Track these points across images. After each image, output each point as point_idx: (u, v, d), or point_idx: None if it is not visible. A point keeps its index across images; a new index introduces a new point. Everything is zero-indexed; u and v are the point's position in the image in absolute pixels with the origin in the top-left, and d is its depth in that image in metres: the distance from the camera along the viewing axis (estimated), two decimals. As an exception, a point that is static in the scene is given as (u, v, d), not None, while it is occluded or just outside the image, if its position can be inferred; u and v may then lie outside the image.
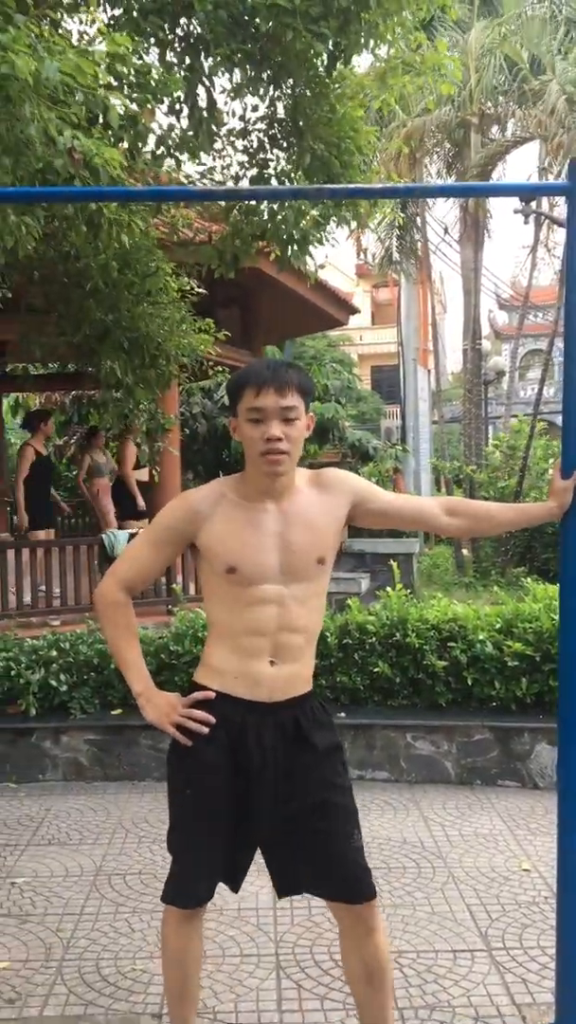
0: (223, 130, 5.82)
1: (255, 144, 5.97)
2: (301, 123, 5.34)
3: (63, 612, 7.84)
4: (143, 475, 9.85)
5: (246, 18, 4.26)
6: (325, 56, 4.74)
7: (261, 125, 5.91)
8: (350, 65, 5.49)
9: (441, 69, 5.60)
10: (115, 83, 3.52)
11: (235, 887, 2.55)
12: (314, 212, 5.64)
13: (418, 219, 16.88)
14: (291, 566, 2.35)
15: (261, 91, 5.58)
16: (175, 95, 4.23)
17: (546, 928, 3.41)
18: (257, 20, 4.18)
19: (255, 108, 5.82)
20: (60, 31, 3.38)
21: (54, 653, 5.34)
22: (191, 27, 4.44)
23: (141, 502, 9.58)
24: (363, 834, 2.51)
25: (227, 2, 4.15)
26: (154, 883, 3.87)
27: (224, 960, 3.25)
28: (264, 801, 2.37)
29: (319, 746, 2.40)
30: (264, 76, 5.48)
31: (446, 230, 24.11)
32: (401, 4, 4.57)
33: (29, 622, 7.41)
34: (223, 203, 6.06)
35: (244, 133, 5.96)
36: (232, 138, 5.99)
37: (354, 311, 12.55)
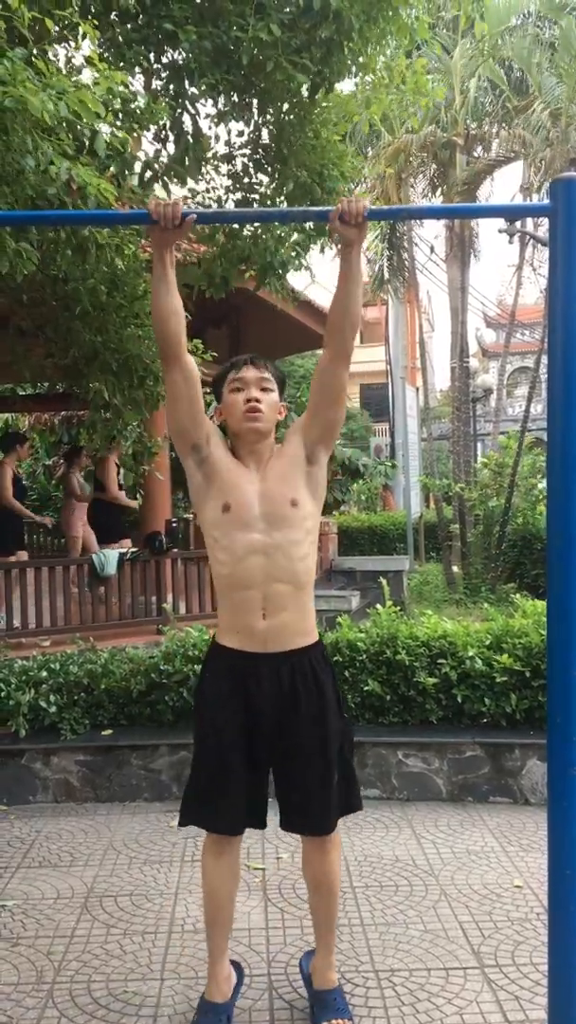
0: (208, 154, 5.88)
1: (240, 168, 6.03)
2: (285, 149, 5.40)
3: (53, 632, 7.81)
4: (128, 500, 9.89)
5: (230, 48, 4.32)
6: (308, 84, 4.81)
7: (246, 150, 5.98)
8: (333, 91, 5.56)
9: (423, 88, 5.68)
10: (104, 113, 3.56)
11: (260, 821, 2.92)
12: (295, 237, 5.70)
13: (405, 239, 16.99)
14: (271, 514, 2.70)
15: (246, 117, 5.67)
16: (161, 122, 4.28)
17: (538, 944, 3.41)
18: (239, 52, 4.24)
19: (240, 133, 5.90)
20: (49, 58, 3.40)
21: (44, 674, 5.32)
22: (176, 56, 4.50)
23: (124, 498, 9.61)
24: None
25: (211, 33, 4.22)
26: (145, 904, 3.85)
27: (216, 981, 3.24)
28: (267, 735, 2.77)
29: (309, 699, 2.75)
30: (248, 102, 5.56)
31: (432, 249, 24.32)
32: (384, 33, 4.65)
33: (19, 642, 7.40)
34: (208, 226, 6.11)
35: (229, 158, 6.02)
36: (216, 162, 6.05)
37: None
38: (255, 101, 5.52)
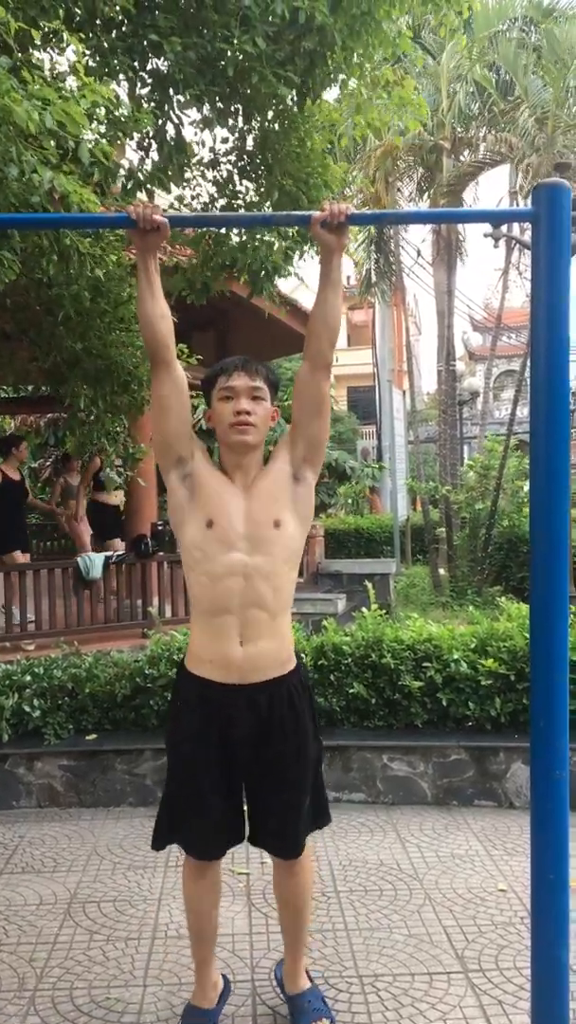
0: (193, 160, 5.88)
1: (224, 175, 6.03)
2: (270, 157, 5.41)
3: (37, 636, 7.79)
4: (116, 499, 9.87)
5: (215, 58, 4.31)
6: (293, 93, 4.79)
7: (231, 157, 5.98)
8: (318, 101, 5.56)
9: (408, 106, 5.69)
10: (88, 124, 3.55)
11: (238, 837, 2.85)
12: (284, 243, 5.70)
13: (392, 242, 17.03)
14: (253, 535, 2.60)
15: (231, 123, 5.67)
16: (144, 131, 4.26)
17: (522, 949, 3.41)
18: (224, 63, 4.23)
19: (225, 140, 5.90)
20: (34, 65, 3.39)
21: (28, 678, 5.30)
22: (160, 65, 4.49)
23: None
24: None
25: (195, 43, 4.22)
26: (129, 910, 3.84)
27: (199, 987, 3.22)
28: (243, 765, 2.71)
29: (285, 730, 2.69)
30: (233, 110, 5.56)
31: (419, 252, 24.35)
32: (366, 44, 4.65)
33: (3, 646, 7.38)
34: (193, 231, 6.11)
35: (214, 164, 6.01)
36: (202, 168, 6.05)
37: (328, 333, 12.61)
38: (239, 108, 5.52)
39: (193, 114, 5.11)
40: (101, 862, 4.34)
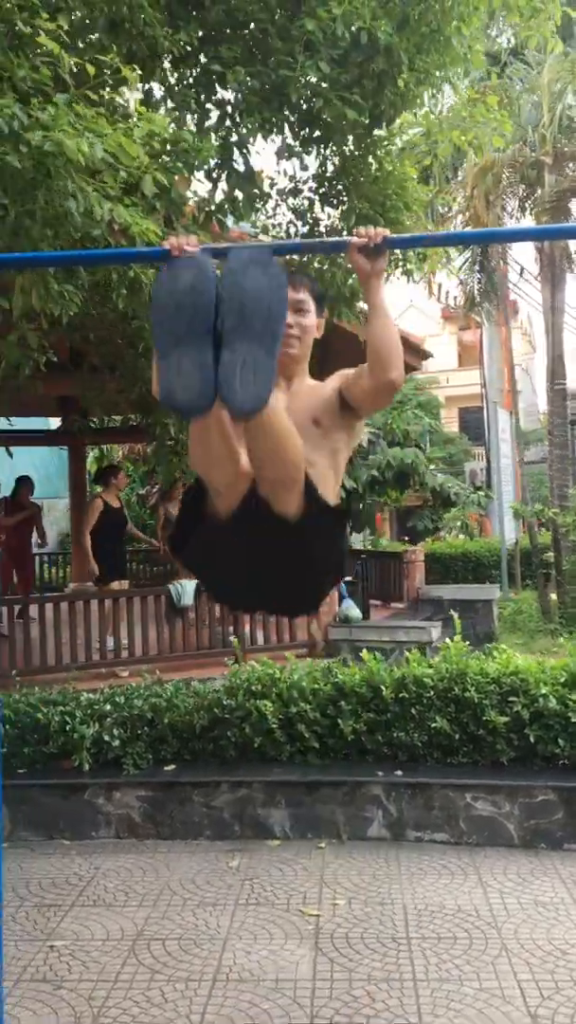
0: (274, 189, 5.89)
1: (305, 204, 6.01)
2: (347, 182, 5.36)
3: (131, 663, 7.86)
4: None
5: (280, 86, 4.29)
6: (364, 117, 4.72)
7: (311, 184, 5.96)
8: (395, 123, 5.48)
9: (492, 123, 5.56)
10: (142, 155, 3.57)
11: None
12: None
13: (496, 260, 16.72)
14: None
15: (311, 151, 5.67)
16: (212, 161, 4.25)
17: (600, 1011, 3.19)
18: (289, 90, 4.20)
19: (304, 168, 5.89)
20: (92, 101, 3.44)
21: (108, 707, 5.33)
22: (226, 95, 4.50)
23: None
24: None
25: (259, 72, 4.21)
26: (193, 949, 3.78)
27: (254, 1036, 3.14)
28: None
29: None
30: (313, 137, 5.55)
31: (523, 270, 23.88)
32: (439, 64, 4.54)
33: (99, 673, 7.47)
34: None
35: (295, 192, 6.00)
36: (285, 196, 6.05)
37: (426, 356, 12.42)
38: (318, 135, 5.50)
39: (267, 144, 5.09)
40: (172, 897, 4.30)
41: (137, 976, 3.57)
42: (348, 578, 10.11)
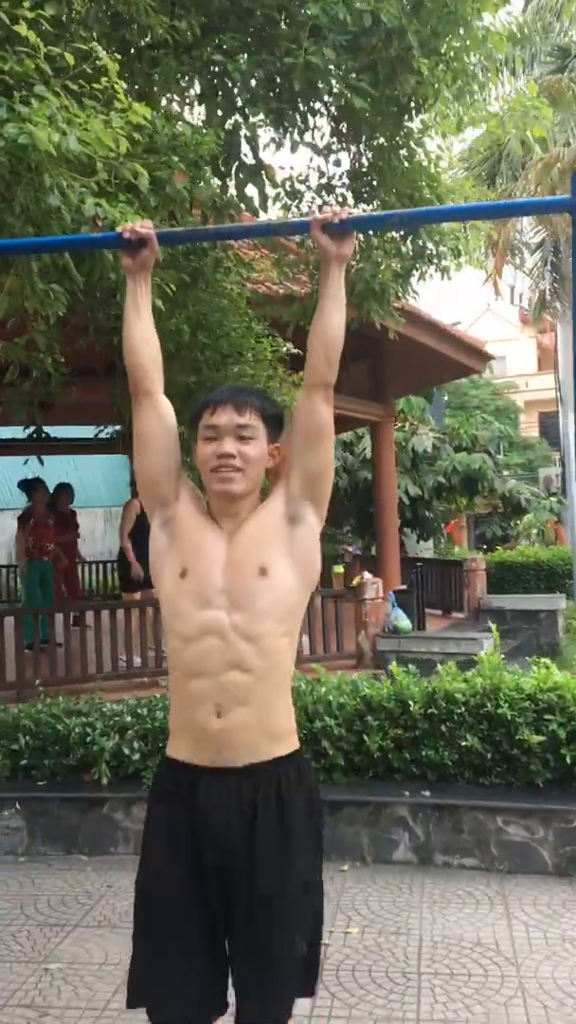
0: (304, 185, 5.73)
1: (341, 200, 5.83)
2: (376, 176, 5.16)
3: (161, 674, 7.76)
4: None
5: (285, 74, 4.10)
6: (383, 105, 4.49)
7: (345, 180, 5.78)
8: (430, 113, 5.26)
9: (530, 112, 5.28)
10: (137, 148, 3.42)
11: (220, 1004, 2.23)
12: (394, 264, 5.39)
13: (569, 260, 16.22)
14: (234, 587, 2.19)
15: (341, 146, 5.51)
16: (212, 155, 4.08)
17: (614, 1065, 2.91)
18: (292, 78, 4.00)
19: (337, 163, 5.71)
20: (84, 99, 3.31)
21: (129, 719, 5.20)
22: (230, 86, 4.33)
23: None
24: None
25: (264, 61, 4.03)
26: (190, 978, 3.60)
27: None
28: (221, 886, 2.15)
29: (287, 833, 2.15)
30: (345, 131, 5.38)
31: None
32: (462, 49, 4.30)
33: (141, 682, 7.40)
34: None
35: (329, 188, 5.82)
36: (320, 190, 5.88)
37: (488, 358, 12.12)
38: (348, 128, 5.32)
39: (280, 136, 4.91)
40: (179, 920, 4.13)
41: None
42: (400, 587, 9.85)
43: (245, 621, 2.17)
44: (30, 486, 9.61)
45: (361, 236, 5.51)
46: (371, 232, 5.44)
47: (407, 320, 9.60)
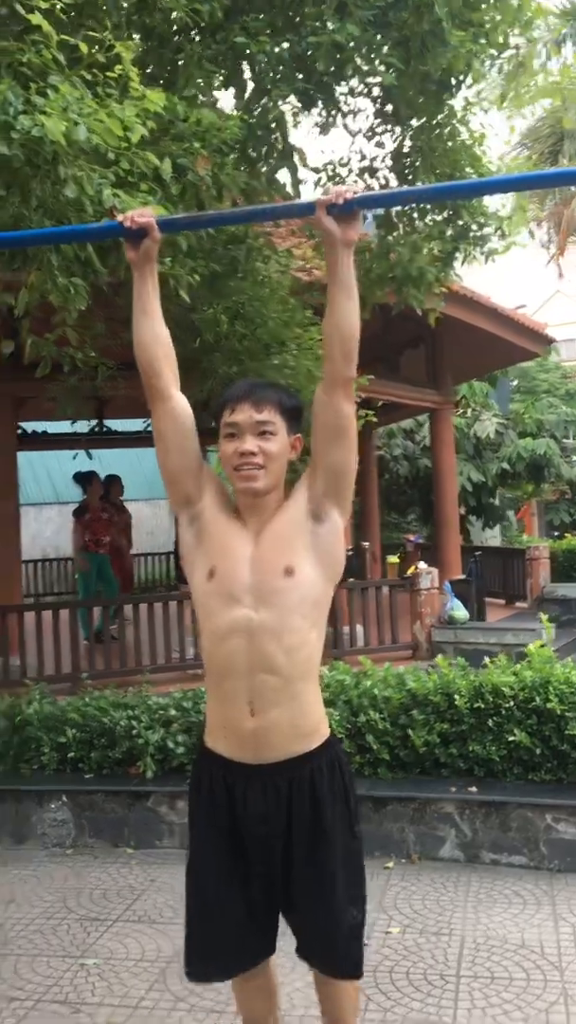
0: (346, 168, 5.62)
1: (384, 182, 5.71)
2: (418, 156, 5.03)
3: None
4: None
5: (309, 54, 3.99)
6: (393, 79, 4.35)
7: (388, 161, 5.67)
8: (472, 89, 5.11)
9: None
10: (155, 136, 3.36)
11: (265, 950, 2.47)
12: (433, 246, 5.24)
13: None
14: (260, 586, 2.25)
15: (390, 128, 5.40)
16: (242, 140, 3.99)
17: None
18: (316, 57, 3.90)
19: (380, 145, 5.60)
20: (99, 88, 3.27)
21: (174, 712, 5.18)
22: (255, 70, 4.24)
23: None
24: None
25: (289, 40, 3.94)
26: (224, 976, 3.56)
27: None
28: (265, 863, 2.32)
29: (319, 821, 2.31)
30: (387, 111, 5.26)
31: None
32: (495, 20, 4.14)
33: (183, 675, 7.40)
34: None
35: (372, 171, 5.71)
36: (364, 176, 5.77)
37: (549, 342, 11.79)
38: (393, 109, 5.20)
39: (307, 117, 4.82)
40: (219, 916, 4.09)
41: (160, 1003, 3.39)
42: (458, 577, 9.67)
43: (272, 619, 2.23)
44: (86, 479, 9.68)
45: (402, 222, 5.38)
46: (413, 214, 5.31)
47: (462, 304, 9.43)
